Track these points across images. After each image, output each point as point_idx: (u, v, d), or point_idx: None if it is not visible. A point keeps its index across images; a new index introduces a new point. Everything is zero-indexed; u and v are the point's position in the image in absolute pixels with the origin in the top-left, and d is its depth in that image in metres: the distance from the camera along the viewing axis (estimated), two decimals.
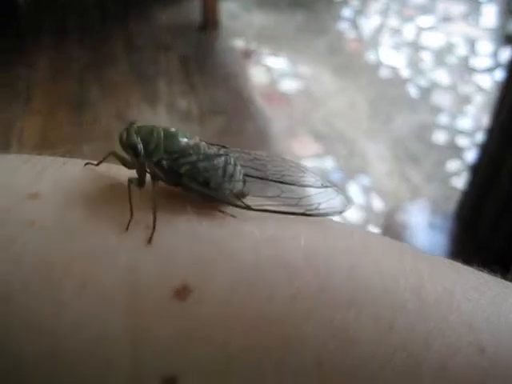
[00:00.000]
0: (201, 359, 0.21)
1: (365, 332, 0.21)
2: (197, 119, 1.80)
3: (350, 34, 2.40)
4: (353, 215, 1.53)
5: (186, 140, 0.26)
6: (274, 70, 2.14)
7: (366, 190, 1.62)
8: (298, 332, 0.21)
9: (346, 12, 2.57)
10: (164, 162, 0.25)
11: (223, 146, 0.27)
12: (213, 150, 0.27)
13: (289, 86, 2.05)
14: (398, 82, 2.10)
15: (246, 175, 0.27)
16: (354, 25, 2.47)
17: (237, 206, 0.25)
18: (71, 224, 0.22)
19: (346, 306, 0.21)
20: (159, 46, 2.24)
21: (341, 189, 0.28)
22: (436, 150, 1.78)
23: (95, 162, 0.26)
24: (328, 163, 1.70)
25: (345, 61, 2.21)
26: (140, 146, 0.25)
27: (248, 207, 0.25)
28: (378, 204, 1.58)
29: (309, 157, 1.71)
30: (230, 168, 0.26)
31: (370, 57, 2.24)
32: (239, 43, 2.31)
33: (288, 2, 2.62)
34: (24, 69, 2.10)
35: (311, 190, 0.27)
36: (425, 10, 2.58)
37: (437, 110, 1.96)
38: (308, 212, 0.25)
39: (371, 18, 2.52)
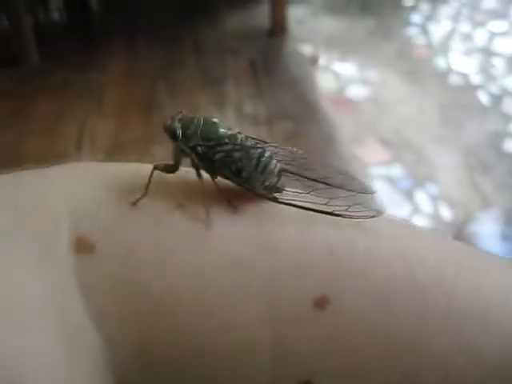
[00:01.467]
0: (336, 366, 0.22)
1: (491, 346, 0.22)
2: (264, 123, 1.81)
3: (420, 39, 2.37)
4: (420, 224, 1.50)
5: (223, 130, 0.27)
6: (341, 76, 2.13)
7: (434, 199, 1.59)
8: (427, 346, 0.22)
9: (416, 17, 2.53)
10: (199, 148, 0.26)
11: (262, 141, 0.28)
12: (250, 142, 0.27)
13: (356, 91, 2.04)
14: (468, 88, 2.06)
15: (281, 170, 0.27)
16: (424, 30, 2.43)
17: (265, 197, 0.26)
18: (213, 235, 0.23)
19: (472, 322, 0.22)
20: (227, 49, 2.26)
21: (377, 196, 0.27)
22: (508, 159, 1.74)
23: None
24: (395, 170, 1.68)
25: (414, 66, 2.18)
26: (179, 131, 0.26)
27: (275, 199, 0.25)
28: (446, 213, 1.55)
29: (376, 164, 1.69)
30: (265, 160, 0.27)
31: (440, 63, 2.20)
32: (307, 48, 2.31)
33: (356, 8, 2.60)
34: (96, 71, 2.15)
35: (344, 192, 0.27)
36: (497, 14, 2.52)
37: (509, 117, 1.91)
38: (336, 212, 0.25)
39: (441, 23, 2.48)
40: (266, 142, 0.28)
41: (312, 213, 0.25)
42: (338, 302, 0.22)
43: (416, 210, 1.55)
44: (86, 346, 0.21)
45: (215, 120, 0.27)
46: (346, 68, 2.18)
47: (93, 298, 0.22)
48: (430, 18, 2.53)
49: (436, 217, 1.54)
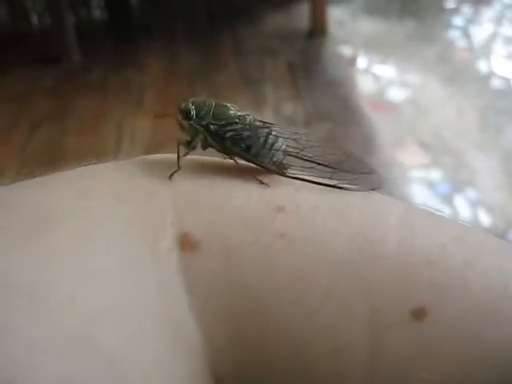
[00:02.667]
0: (433, 375, 0.22)
1: None
2: (302, 124, 1.81)
3: (461, 42, 2.34)
4: None
5: (233, 111, 0.29)
6: (381, 78, 2.11)
7: (474, 204, 1.57)
8: None
9: (457, 20, 2.50)
10: (211, 126, 0.28)
11: (269, 123, 0.30)
12: (258, 123, 0.29)
13: (396, 94, 2.02)
14: (509, 92, 2.02)
15: (286, 149, 0.29)
16: (466, 33, 2.40)
17: (274, 171, 0.27)
18: (316, 238, 0.23)
19: None
20: (266, 51, 2.26)
21: (378, 172, 0.28)
22: None
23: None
24: (434, 174, 1.66)
25: (454, 70, 2.15)
26: (193, 112, 0.28)
27: (284, 174, 0.27)
28: (485, 219, 1.53)
29: (415, 167, 1.68)
30: (272, 139, 0.28)
31: (481, 66, 2.17)
32: (346, 50, 2.30)
33: (397, 10, 2.58)
34: (135, 71, 2.18)
35: (347, 175, 0.28)
36: None
37: None
38: (339, 185, 0.27)
39: (483, 26, 2.45)
40: (273, 124, 0.29)
41: (414, 222, 0.25)
42: (435, 313, 0.22)
43: (455, 214, 1.54)
44: (189, 343, 0.21)
45: (225, 103, 0.29)
46: (386, 70, 2.16)
47: (196, 296, 0.22)
48: (472, 20, 2.50)
49: (474, 222, 1.52)
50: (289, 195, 0.24)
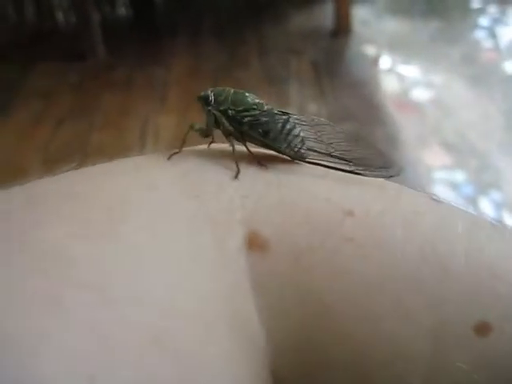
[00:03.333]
0: None
1: None
2: None
3: (487, 43, 2.32)
4: None
5: (251, 98, 0.30)
6: (405, 78, 2.10)
7: (499, 206, 1.56)
8: None
9: (483, 20, 2.48)
10: (230, 112, 0.29)
11: (287, 112, 0.30)
12: (275, 111, 0.30)
13: (420, 94, 2.01)
14: None
15: (304, 136, 0.29)
16: (492, 33, 2.38)
17: (292, 157, 0.28)
18: (385, 245, 0.23)
19: None
20: (291, 50, 2.26)
21: (398, 167, 0.28)
22: None
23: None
24: (458, 176, 1.65)
25: (480, 71, 2.13)
26: (211, 97, 0.29)
27: (302, 159, 0.28)
28: (510, 221, 1.51)
29: (438, 168, 1.67)
30: (290, 125, 0.29)
31: (507, 67, 2.15)
32: (370, 50, 2.29)
33: (422, 10, 2.57)
34: (160, 68, 2.18)
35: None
36: None
37: None
38: (357, 171, 0.27)
39: (510, 26, 2.43)
40: (292, 113, 0.30)
41: (481, 236, 0.25)
42: (500, 329, 0.22)
43: None
44: (253, 343, 0.21)
45: (244, 91, 0.30)
46: (410, 70, 2.15)
47: (262, 296, 0.22)
48: (499, 20, 2.48)
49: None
50: (357, 198, 0.24)
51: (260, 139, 0.29)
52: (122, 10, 2.70)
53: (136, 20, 2.67)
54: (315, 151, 0.28)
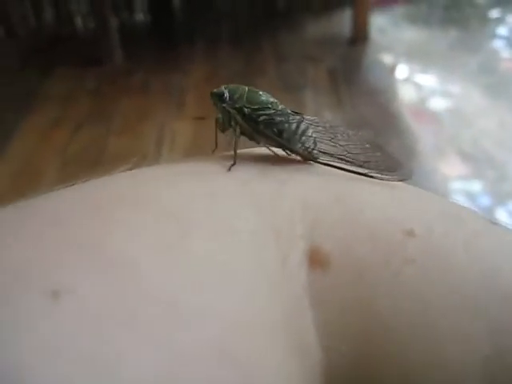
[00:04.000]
0: None
1: None
2: None
3: (505, 52, 2.31)
4: None
5: (265, 97, 0.30)
6: (422, 87, 2.09)
7: None
8: None
9: (502, 30, 2.47)
10: (245, 109, 0.29)
11: (301, 113, 0.30)
12: (288, 110, 0.30)
13: (438, 103, 2.00)
14: None
15: (317, 137, 0.29)
16: (510, 43, 2.37)
17: (306, 157, 0.28)
18: (446, 268, 0.23)
19: None
20: (307, 57, 2.26)
21: (406, 165, 0.29)
22: None
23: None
24: (475, 186, 1.64)
25: (498, 80, 2.12)
26: (226, 94, 0.29)
27: (316, 160, 0.28)
28: None
29: (455, 178, 1.66)
30: (303, 125, 0.29)
31: None
32: (388, 58, 2.29)
33: (440, 18, 2.56)
34: (177, 74, 2.19)
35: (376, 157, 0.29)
36: None
37: None
38: (370, 174, 0.27)
39: None
40: (304, 114, 0.30)
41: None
42: None
43: None
44: (309, 358, 0.21)
45: (258, 90, 0.30)
46: (428, 79, 2.14)
47: (321, 312, 0.21)
48: None
49: None
50: (417, 216, 0.24)
51: (275, 138, 0.29)
52: (140, 16, 2.71)
53: (154, 26, 2.68)
54: (328, 153, 0.29)
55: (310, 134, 0.29)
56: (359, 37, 2.34)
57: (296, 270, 0.21)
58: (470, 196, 1.59)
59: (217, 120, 0.30)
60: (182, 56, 2.35)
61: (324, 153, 0.29)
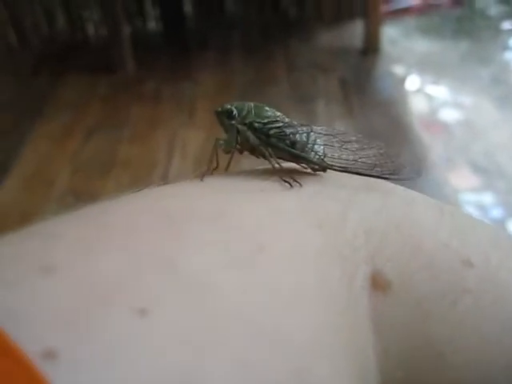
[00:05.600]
0: None
1: None
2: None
3: None
4: None
5: (272, 111, 0.30)
6: (434, 98, 2.09)
7: None
8: None
9: None
10: (256, 124, 0.29)
11: (306, 124, 0.30)
12: (295, 122, 0.30)
13: (449, 115, 2.00)
14: None
15: (327, 145, 0.29)
16: None
17: (320, 166, 0.28)
18: (502, 301, 0.23)
19: None
20: (319, 67, 2.26)
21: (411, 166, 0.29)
22: None
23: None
24: (487, 198, 1.63)
25: (509, 92, 2.12)
26: (235, 111, 0.29)
27: (331, 167, 0.28)
28: None
29: (466, 190, 1.65)
30: (313, 135, 0.29)
31: None
32: (399, 69, 2.29)
33: (452, 30, 2.56)
34: (188, 83, 2.20)
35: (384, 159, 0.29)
36: None
37: None
38: (383, 175, 0.28)
39: None
40: (310, 124, 0.30)
41: None
42: None
43: None
44: (367, 382, 0.21)
45: (262, 104, 0.30)
46: (439, 90, 2.14)
47: (380, 337, 0.22)
48: None
49: None
50: (474, 245, 0.24)
51: (289, 150, 0.29)
52: (153, 24, 2.72)
53: (166, 34, 2.70)
54: (340, 159, 0.29)
55: (321, 143, 0.29)
56: (371, 47, 2.34)
57: (360, 294, 0.21)
58: (481, 208, 1.58)
59: (216, 141, 0.30)
60: (194, 64, 2.36)
61: (337, 159, 0.29)
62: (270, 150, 0.29)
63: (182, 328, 0.16)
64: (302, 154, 0.29)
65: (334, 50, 2.40)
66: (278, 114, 0.30)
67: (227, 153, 0.29)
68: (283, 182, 0.25)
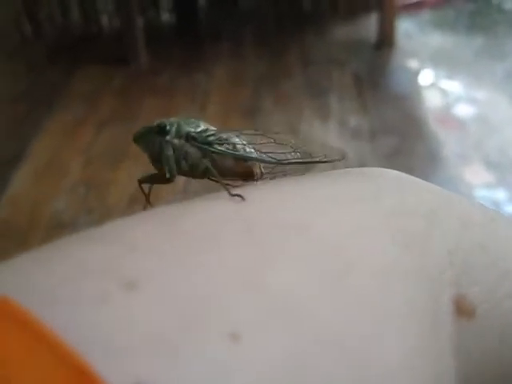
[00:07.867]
0: None
1: None
2: (367, 137, 1.79)
3: None
4: None
5: (198, 121, 0.28)
6: (448, 93, 2.08)
7: None
8: None
9: None
10: (194, 134, 0.27)
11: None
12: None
13: (463, 110, 1.99)
14: None
15: (262, 146, 0.29)
16: None
17: (269, 162, 0.28)
18: None
19: None
20: (333, 61, 2.25)
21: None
22: None
23: None
24: (500, 194, 1.62)
25: None
26: (168, 126, 0.27)
27: (279, 162, 0.28)
28: None
29: (479, 186, 1.64)
30: (243, 138, 0.28)
31: None
32: (414, 64, 2.27)
33: (467, 25, 2.54)
34: (202, 76, 2.19)
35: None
36: None
37: None
38: (323, 160, 0.28)
39: None
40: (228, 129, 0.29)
41: None
42: None
43: None
44: None
45: (187, 117, 0.29)
46: (453, 85, 2.12)
47: (462, 365, 0.21)
48: None
49: None
50: None
51: (233, 154, 0.28)
52: (166, 16, 2.72)
53: (179, 26, 2.69)
54: (282, 153, 0.28)
55: (253, 143, 0.28)
56: (385, 41, 2.32)
57: (444, 318, 0.21)
58: (495, 204, 1.57)
59: (140, 181, 0.29)
60: (207, 56, 2.35)
61: (275, 154, 0.28)
62: (213, 158, 0.27)
63: (275, 354, 0.15)
64: (252, 155, 0.28)
65: (349, 44, 2.39)
66: (202, 121, 0.29)
67: (170, 181, 0.28)
68: (358, 191, 0.24)
